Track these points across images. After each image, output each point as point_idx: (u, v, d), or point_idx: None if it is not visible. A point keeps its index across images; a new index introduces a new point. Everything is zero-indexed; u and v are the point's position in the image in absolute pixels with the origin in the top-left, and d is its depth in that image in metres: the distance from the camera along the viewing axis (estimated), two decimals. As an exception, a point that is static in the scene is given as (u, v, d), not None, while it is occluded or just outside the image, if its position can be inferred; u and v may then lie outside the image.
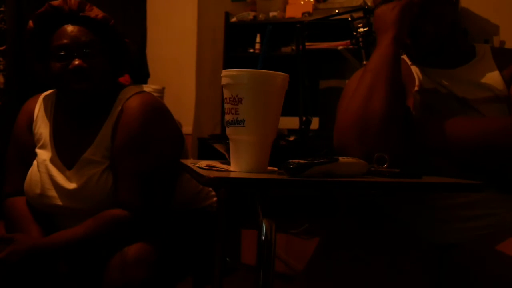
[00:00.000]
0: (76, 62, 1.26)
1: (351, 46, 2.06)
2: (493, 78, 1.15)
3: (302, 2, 3.06)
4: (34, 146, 1.39)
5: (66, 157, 1.35)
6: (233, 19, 3.23)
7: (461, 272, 1.06)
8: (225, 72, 0.88)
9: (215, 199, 1.55)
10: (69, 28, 1.29)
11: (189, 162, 1.09)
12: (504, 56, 1.20)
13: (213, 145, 1.04)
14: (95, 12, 1.30)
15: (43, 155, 1.36)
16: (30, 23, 1.32)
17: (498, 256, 1.02)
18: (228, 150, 0.91)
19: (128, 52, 1.37)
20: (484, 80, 1.15)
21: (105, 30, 1.31)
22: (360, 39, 1.85)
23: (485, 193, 1.07)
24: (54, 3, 1.30)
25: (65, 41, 1.27)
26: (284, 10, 3.13)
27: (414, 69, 1.24)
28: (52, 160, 1.35)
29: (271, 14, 3.14)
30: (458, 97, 1.15)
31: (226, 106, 0.88)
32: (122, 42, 1.35)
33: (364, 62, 1.86)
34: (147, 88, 3.01)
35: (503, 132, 1.01)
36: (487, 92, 1.14)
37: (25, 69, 2.45)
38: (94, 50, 1.29)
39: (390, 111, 1.04)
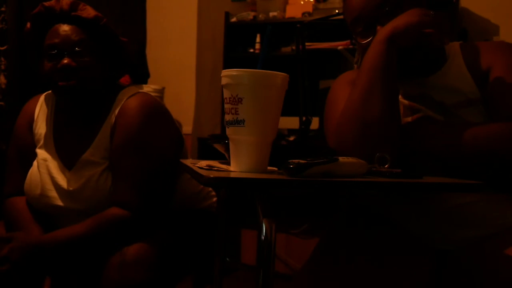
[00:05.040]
0: (65, 61, 1.26)
1: (351, 46, 2.06)
2: (465, 81, 1.15)
3: (302, 2, 3.06)
4: (34, 146, 1.39)
5: (66, 157, 1.35)
6: (233, 19, 3.23)
7: (460, 274, 1.06)
8: (225, 72, 0.88)
9: (215, 199, 1.55)
10: (61, 27, 1.29)
11: (189, 162, 1.09)
12: (473, 53, 1.18)
13: (213, 145, 1.04)
14: (88, 12, 1.30)
15: (43, 155, 1.36)
16: (28, 24, 1.32)
17: (498, 260, 1.02)
18: (228, 150, 0.91)
19: (126, 52, 1.37)
20: (456, 84, 1.14)
21: (98, 29, 1.31)
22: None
23: (483, 194, 1.07)
24: (46, 3, 1.30)
25: (56, 40, 1.28)
26: (284, 10, 3.13)
27: None
28: (52, 161, 1.35)
29: (271, 14, 3.14)
30: (438, 103, 1.15)
31: (226, 106, 0.88)
32: (117, 41, 1.35)
33: (355, 65, 1.85)
34: (147, 88, 3.01)
35: (500, 138, 1.01)
36: (461, 97, 1.13)
37: (27, 69, 2.45)
38: (86, 49, 1.28)
39: (389, 114, 1.04)
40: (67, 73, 1.27)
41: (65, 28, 1.29)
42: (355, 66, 1.56)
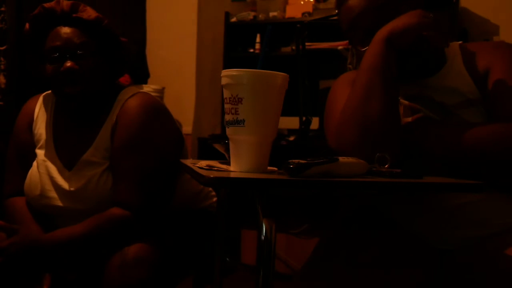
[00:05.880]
0: (68, 64, 1.25)
1: (350, 46, 2.07)
2: (465, 81, 1.14)
3: (302, 2, 3.07)
4: (34, 147, 1.39)
5: (66, 157, 1.35)
6: (233, 19, 3.24)
7: (460, 274, 1.06)
8: (225, 72, 0.88)
9: (215, 199, 1.55)
10: (62, 30, 1.28)
11: (189, 162, 1.09)
12: (472, 54, 1.18)
13: (213, 145, 1.04)
14: (88, 13, 1.29)
15: (43, 155, 1.36)
16: (27, 25, 1.32)
17: (498, 260, 1.02)
18: (228, 150, 0.91)
19: (126, 52, 1.37)
20: (456, 85, 1.14)
21: (99, 30, 1.31)
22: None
23: (483, 194, 1.07)
24: (47, 5, 1.29)
25: (57, 43, 1.27)
26: (284, 10, 3.14)
27: None
28: (52, 161, 1.35)
29: (271, 14, 3.15)
30: (437, 103, 1.15)
31: (226, 106, 0.88)
32: (118, 41, 1.34)
33: (349, 66, 1.85)
34: (147, 88, 3.01)
35: (500, 139, 1.01)
36: (461, 97, 1.13)
37: (26, 69, 2.45)
38: (88, 51, 1.28)
39: (388, 114, 1.04)
40: (71, 76, 1.26)
41: (66, 30, 1.28)
42: (349, 67, 1.56)
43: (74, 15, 1.28)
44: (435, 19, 1.04)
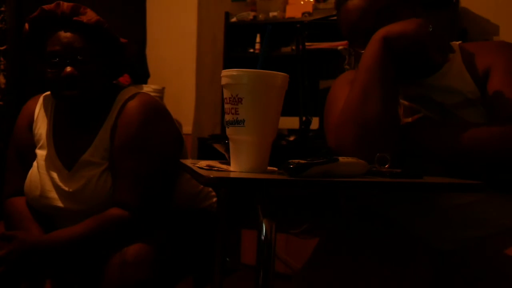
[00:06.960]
0: (68, 69, 1.25)
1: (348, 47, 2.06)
2: (465, 81, 1.14)
3: (302, 2, 3.07)
4: (34, 147, 1.39)
5: (65, 158, 1.35)
6: (233, 19, 3.24)
7: (460, 274, 1.06)
8: (225, 72, 0.88)
9: (215, 199, 1.55)
10: (62, 34, 1.27)
11: (189, 162, 1.09)
12: (472, 53, 1.18)
13: (213, 145, 1.04)
14: (89, 16, 1.28)
15: (43, 156, 1.36)
16: (26, 26, 1.31)
17: (498, 260, 1.02)
18: (228, 150, 0.92)
19: (126, 54, 1.36)
20: (456, 85, 1.14)
21: (100, 34, 1.30)
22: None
23: (483, 194, 1.07)
24: (47, 7, 1.28)
25: (57, 48, 1.26)
26: (284, 10, 3.14)
27: None
28: (51, 161, 1.35)
29: (271, 14, 3.15)
30: (437, 103, 1.15)
31: (226, 106, 0.88)
32: (119, 43, 1.34)
33: (346, 66, 1.84)
34: (147, 88, 3.02)
35: (500, 139, 1.01)
36: (461, 97, 1.13)
37: (26, 69, 2.45)
38: (88, 56, 1.27)
39: (386, 114, 1.04)
40: (70, 82, 1.26)
41: (66, 35, 1.27)
42: (347, 67, 1.56)
43: (74, 18, 1.27)
44: (434, 31, 1.03)
